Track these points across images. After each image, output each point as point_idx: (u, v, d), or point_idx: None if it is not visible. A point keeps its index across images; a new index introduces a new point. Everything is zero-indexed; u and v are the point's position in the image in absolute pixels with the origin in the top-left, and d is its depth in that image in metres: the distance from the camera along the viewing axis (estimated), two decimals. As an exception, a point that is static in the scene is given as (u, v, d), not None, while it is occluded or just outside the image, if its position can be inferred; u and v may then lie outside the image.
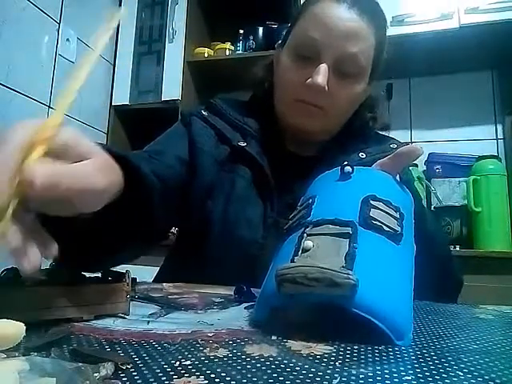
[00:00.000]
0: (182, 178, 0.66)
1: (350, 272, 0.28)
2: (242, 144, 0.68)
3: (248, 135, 0.70)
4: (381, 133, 0.78)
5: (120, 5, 2.15)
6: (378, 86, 0.76)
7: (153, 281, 0.70)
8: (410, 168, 1.56)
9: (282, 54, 0.69)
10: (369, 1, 0.67)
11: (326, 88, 0.62)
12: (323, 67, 0.62)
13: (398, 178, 0.42)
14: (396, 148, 0.56)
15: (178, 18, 2.03)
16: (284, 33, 0.73)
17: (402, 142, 0.74)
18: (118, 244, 0.46)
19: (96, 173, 0.31)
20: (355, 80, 0.65)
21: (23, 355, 0.22)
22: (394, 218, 0.35)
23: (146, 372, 0.22)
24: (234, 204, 0.65)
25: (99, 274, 0.40)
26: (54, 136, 0.29)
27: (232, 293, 0.47)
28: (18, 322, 0.23)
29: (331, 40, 0.62)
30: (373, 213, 0.34)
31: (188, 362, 0.23)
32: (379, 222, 0.34)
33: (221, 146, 0.70)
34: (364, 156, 0.67)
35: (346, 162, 0.39)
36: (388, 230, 0.34)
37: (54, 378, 0.18)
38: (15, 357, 0.22)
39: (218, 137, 0.71)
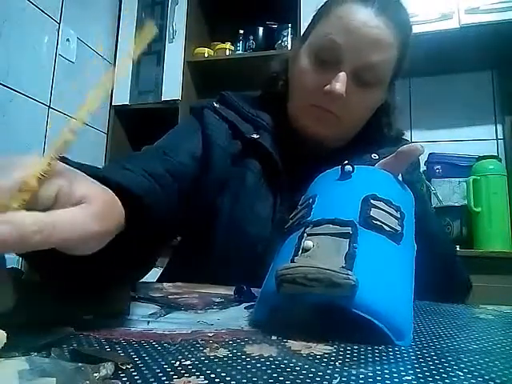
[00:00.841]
0: (195, 175, 0.66)
1: (349, 272, 0.28)
2: (255, 136, 0.67)
3: (260, 128, 0.69)
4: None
5: (120, 5, 2.16)
6: (393, 91, 0.74)
7: (157, 280, 0.70)
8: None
9: (300, 53, 0.67)
10: (398, 8, 0.64)
11: (344, 95, 0.60)
12: (343, 75, 0.60)
13: (400, 177, 0.42)
14: None
15: (178, 18, 2.03)
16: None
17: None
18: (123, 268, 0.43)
19: (88, 220, 0.27)
20: (373, 89, 0.64)
21: (23, 355, 0.22)
22: (395, 217, 0.35)
23: (146, 372, 0.22)
24: (243, 199, 0.64)
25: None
26: (42, 184, 0.26)
27: (232, 293, 0.47)
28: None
29: (355, 46, 0.60)
30: (373, 212, 0.34)
31: (188, 362, 0.23)
32: (379, 221, 0.34)
33: (233, 140, 0.69)
34: (377, 157, 0.65)
35: (346, 161, 0.39)
36: (388, 229, 0.33)
37: (54, 378, 0.18)
38: (15, 357, 0.22)
39: (230, 131, 0.70)
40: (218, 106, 0.72)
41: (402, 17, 0.64)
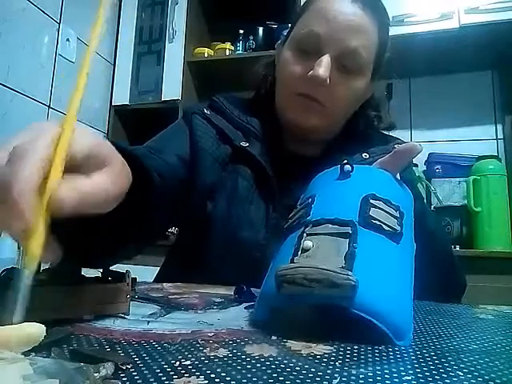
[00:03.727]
0: (182, 177, 0.66)
1: (349, 273, 0.28)
2: (244, 144, 0.68)
3: (251, 135, 0.70)
4: (385, 133, 0.77)
5: (120, 5, 2.16)
6: (379, 86, 0.75)
7: (153, 281, 0.70)
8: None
9: (283, 50, 0.68)
10: None
11: (328, 81, 0.61)
12: (326, 58, 0.61)
13: (398, 176, 0.42)
14: None
15: (178, 18, 2.03)
16: (286, 32, 0.72)
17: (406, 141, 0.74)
18: (116, 242, 0.45)
19: (114, 183, 0.30)
20: (356, 76, 0.65)
21: (23, 355, 0.22)
22: (394, 217, 0.35)
23: (146, 372, 0.22)
24: (235, 205, 0.65)
25: (99, 274, 0.40)
26: (73, 144, 0.28)
27: (232, 293, 0.47)
28: (38, 324, 0.23)
29: (334, 34, 0.61)
30: (372, 212, 0.34)
31: (188, 362, 0.23)
32: (379, 221, 0.34)
33: (222, 145, 0.69)
34: (367, 156, 0.66)
35: (345, 161, 0.39)
36: (388, 229, 0.33)
37: (57, 380, 0.18)
38: (17, 358, 0.22)
39: (219, 136, 0.70)
40: (208, 112, 0.73)
41: (377, 4, 0.66)
